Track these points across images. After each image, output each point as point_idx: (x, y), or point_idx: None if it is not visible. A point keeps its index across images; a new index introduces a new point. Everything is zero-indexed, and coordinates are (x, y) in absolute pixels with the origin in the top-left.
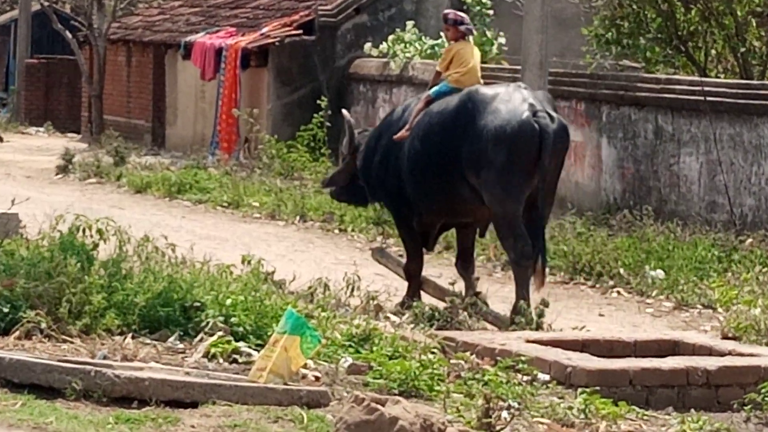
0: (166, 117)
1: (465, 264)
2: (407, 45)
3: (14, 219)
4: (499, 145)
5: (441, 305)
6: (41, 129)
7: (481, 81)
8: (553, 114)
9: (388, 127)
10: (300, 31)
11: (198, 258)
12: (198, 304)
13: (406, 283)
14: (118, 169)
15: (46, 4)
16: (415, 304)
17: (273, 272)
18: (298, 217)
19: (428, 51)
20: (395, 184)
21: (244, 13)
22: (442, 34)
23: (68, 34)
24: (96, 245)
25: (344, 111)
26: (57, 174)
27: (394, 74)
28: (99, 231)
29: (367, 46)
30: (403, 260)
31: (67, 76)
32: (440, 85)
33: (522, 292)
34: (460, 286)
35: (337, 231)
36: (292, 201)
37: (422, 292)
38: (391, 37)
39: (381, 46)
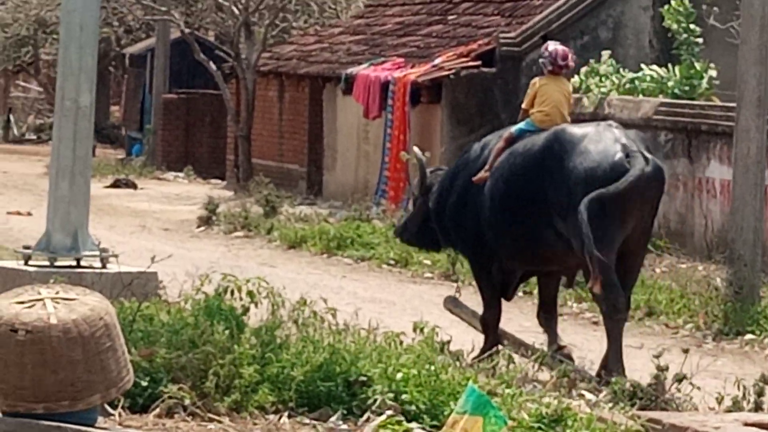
0: (324, 161)
1: (548, 315)
2: (603, 78)
3: (153, 279)
4: (590, 188)
5: (641, 381)
6: (180, 174)
7: (568, 119)
8: (648, 155)
9: (465, 167)
10: (478, 63)
11: (362, 324)
12: (364, 378)
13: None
14: (268, 220)
15: (188, 31)
16: (614, 379)
17: (449, 342)
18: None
19: (627, 85)
20: (473, 228)
21: (413, 41)
22: (642, 65)
23: (212, 66)
24: (246, 309)
25: (415, 148)
26: (199, 226)
27: (587, 112)
28: (249, 293)
29: None
30: (478, 310)
31: (210, 113)
32: (524, 123)
33: (615, 349)
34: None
35: (521, 294)
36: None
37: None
38: (583, 69)
39: (572, 80)
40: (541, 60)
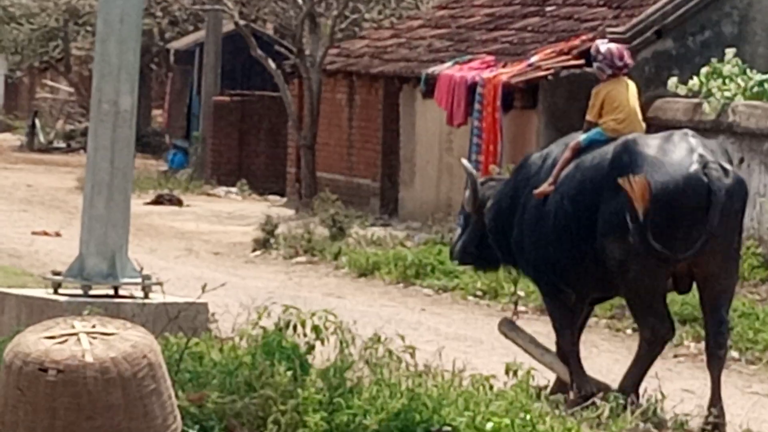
0: (400, 175)
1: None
2: (726, 81)
3: (203, 311)
4: (662, 204)
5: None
6: (233, 189)
7: (644, 126)
8: (728, 167)
9: (526, 179)
10: (581, 61)
11: (446, 366)
12: (448, 428)
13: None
14: (335, 244)
15: (243, 23)
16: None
17: (546, 386)
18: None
19: (755, 89)
20: (539, 249)
21: (505, 36)
22: None
23: (271, 64)
24: (311, 347)
25: (463, 160)
26: (255, 250)
27: (709, 120)
28: (315, 328)
29: (672, 81)
30: (530, 333)
31: (268, 118)
32: (593, 132)
33: (634, 372)
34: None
35: (629, 331)
36: None
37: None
38: (704, 70)
39: (691, 82)
40: (596, 65)
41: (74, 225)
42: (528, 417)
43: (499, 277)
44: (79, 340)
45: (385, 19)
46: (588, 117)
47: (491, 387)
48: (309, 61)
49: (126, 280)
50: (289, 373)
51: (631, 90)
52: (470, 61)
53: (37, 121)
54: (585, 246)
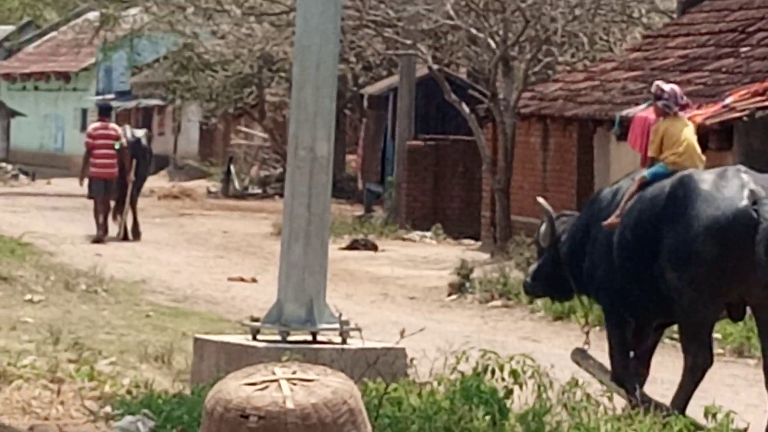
0: None
1: (642, 365)
2: None
3: (401, 356)
4: (711, 237)
5: None
6: (428, 234)
7: (703, 159)
8: None
9: (598, 213)
10: None
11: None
12: None
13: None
14: None
15: (436, 67)
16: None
17: (746, 429)
18: None
19: None
20: (607, 276)
21: (700, 78)
22: None
23: (465, 108)
24: (510, 392)
25: (540, 199)
26: (450, 294)
27: None
28: (513, 372)
29: None
30: (606, 365)
31: (462, 162)
32: (657, 166)
33: (681, 398)
34: None
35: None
36: None
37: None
38: None
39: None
40: (661, 103)
41: (270, 271)
42: None
43: None
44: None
45: (578, 61)
46: (650, 153)
47: (693, 430)
48: (503, 105)
49: (324, 325)
50: (488, 417)
51: (689, 127)
52: None
53: (232, 168)
54: (644, 274)
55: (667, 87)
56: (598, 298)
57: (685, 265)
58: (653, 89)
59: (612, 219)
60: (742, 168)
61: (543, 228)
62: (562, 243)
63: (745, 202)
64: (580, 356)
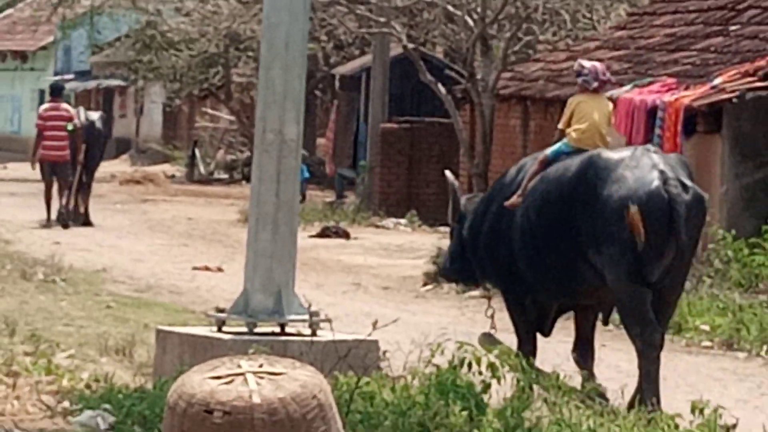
0: None
1: (583, 353)
2: None
3: (373, 349)
4: (625, 218)
5: None
6: (402, 221)
7: (608, 140)
8: (688, 182)
9: (500, 191)
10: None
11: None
12: None
13: None
14: None
15: (411, 46)
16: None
17: (735, 425)
18: (765, 347)
19: None
20: (506, 258)
21: (687, 58)
22: None
23: (441, 89)
24: (488, 386)
25: (447, 172)
26: (425, 284)
27: None
28: (491, 365)
29: None
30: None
31: (438, 146)
32: (559, 145)
33: (648, 388)
34: None
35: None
36: (756, 323)
37: None
38: None
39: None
40: (581, 78)
41: (236, 260)
42: None
43: (683, 311)
44: (245, 380)
45: (560, 40)
46: (559, 125)
47: (676, 426)
48: (481, 86)
49: (293, 317)
50: (465, 413)
51: (603, 107)
52: (650, 84)
53: (197, 151)
54: (548, 257)
55: (588, 64)
56: (496, 280)
57: (605, 246)
58: (575, 66)
59: (514, 198)
60: (651, 148)
61: (450, 206)
62: (467, 222)
63: (656, 182)
64: (487, 341)
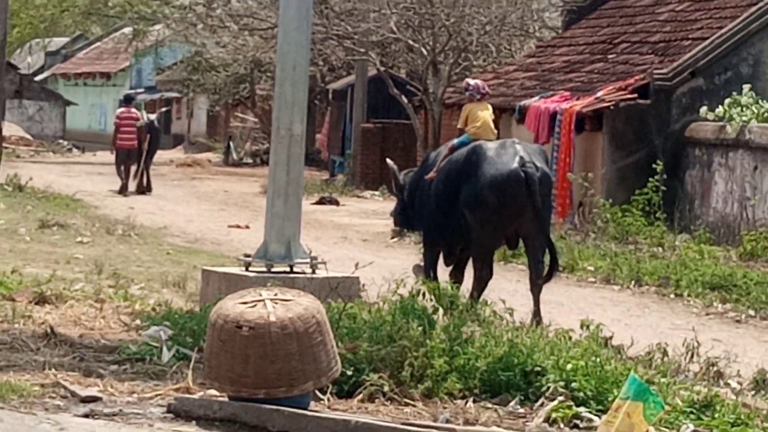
0: None
1: (458, 273)
2: (744, 108)
3: (356, 283)
4: (492, 189)
5: None
6: (376, 193)
7: (495, 132)
8: (539, 164)
9: (425, 169)
10: (635, 95)
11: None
12: (539, 368)
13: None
14: None
15: (383, 69)
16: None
17: (611, 337)
18: (633, 282)
19: (765, 114)
20: (427, 213)
21: (578, 77)
22: None
23: (404, 99)
24: (435, 309)
25: (388, 160)
26: (392, 238)
27: (731, 138)
28: (437, 295)
29: (703, 109)
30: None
31: (402, 140)
32: (463, 137)
33: (476, 295)
34: None
35: (672, 296)
36: (627, 265)
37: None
38: (727, 101)
39: (717, 110)
40: (468, 92)
41: (259, 220)
42: (598, 360)
43: (574, 256)
44: (265, 304)
45: (489, 65)
46: (458, 126)
47: (570, 338)
48: (432, 97)
49: (298, 260)
50: (420, 328)
51: (488, 109)
52: (552, 96)
53: (231, 143)
54: (450, 214)
55: (472, 82)
56: (422, 229)
57: (475, 209)
58: (464, 84)
59: (431, 173)
60: (516, 140)
61: (392, 181)
62: (406, 190)
63: (515, 164)
64: (417, 270)
